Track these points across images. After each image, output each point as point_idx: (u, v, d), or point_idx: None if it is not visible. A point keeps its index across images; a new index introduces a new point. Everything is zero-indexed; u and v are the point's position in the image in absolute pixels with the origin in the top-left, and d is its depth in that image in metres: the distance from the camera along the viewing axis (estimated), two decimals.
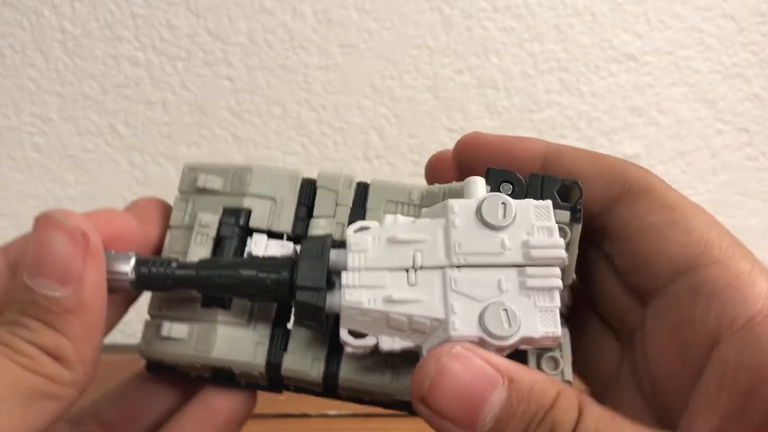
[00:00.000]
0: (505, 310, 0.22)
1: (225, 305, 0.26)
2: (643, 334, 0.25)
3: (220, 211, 0.27)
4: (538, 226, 0.23)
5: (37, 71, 0.57)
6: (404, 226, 0.24)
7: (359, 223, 0.25)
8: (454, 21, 0.57)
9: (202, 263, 0.25)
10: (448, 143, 0.60)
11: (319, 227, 0.26)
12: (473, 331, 0.22)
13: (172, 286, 0.25)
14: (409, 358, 0.25)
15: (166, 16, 0.56)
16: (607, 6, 0.58)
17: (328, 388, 0.26)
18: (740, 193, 0.62)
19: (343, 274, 0.24)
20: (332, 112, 0.58)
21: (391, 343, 0.24)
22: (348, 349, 0.24)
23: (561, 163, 0.26)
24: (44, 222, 0.23)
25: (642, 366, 0.25)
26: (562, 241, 0.23)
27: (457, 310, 0.23)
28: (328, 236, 0.25)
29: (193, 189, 0.28)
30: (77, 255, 0.23)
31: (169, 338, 0.25)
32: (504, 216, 0.24)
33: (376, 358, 0.25)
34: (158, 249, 0.27)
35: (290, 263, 0.24)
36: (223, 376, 0.26)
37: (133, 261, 0.24)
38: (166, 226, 0.28)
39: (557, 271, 0.23)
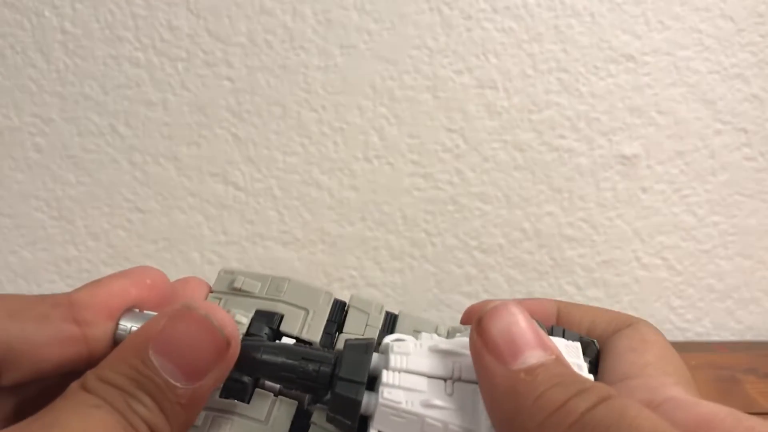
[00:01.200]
0: None
1: (245, 399, 0.26)
2: None
3: (253, 311, 0.27)
4: (570, 362, 0.25)
5: (38, 72, 0.57)
6: (445, 339, 0.25)
7: (396, 335, 0.25)
8: (453, 22, 0.57)
9: (246, 343, 0.25)
10: (448, 143, 0.60)
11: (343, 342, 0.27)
12: None
13: None
14: None
15: (167, 16, 0.56)
16: (606, 7, 0.58)
17: None
18: (739, 193, 0.62)
19: (384, 373, 0.24)
20: (332, 113, 0.58)
21: None
22: None
23: (571, 316, 0.29)
24: (191, 315, 0.23)
25: None
26: (591, 377, 0.24)
27: (490, 426, 0.23)
28: (372, 339, 0.25)
29: (228, 289, 0.28)
30: (213, 358, 0.23)
31: None
32: None
33: None
34: None
35: (333, 357, 0.24)
36: None
37: None
38: None
39: None
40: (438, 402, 0.23)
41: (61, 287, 0.61)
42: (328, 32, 0.57)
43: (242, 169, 0.59)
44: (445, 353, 0.24)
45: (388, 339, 0.25)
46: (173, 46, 0.57)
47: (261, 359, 0.24)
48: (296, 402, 0.26)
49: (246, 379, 0.25)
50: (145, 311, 0.25)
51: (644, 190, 0.61)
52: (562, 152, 0.60)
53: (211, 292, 0.28)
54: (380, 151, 0.59)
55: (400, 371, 0.24)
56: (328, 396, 0.24)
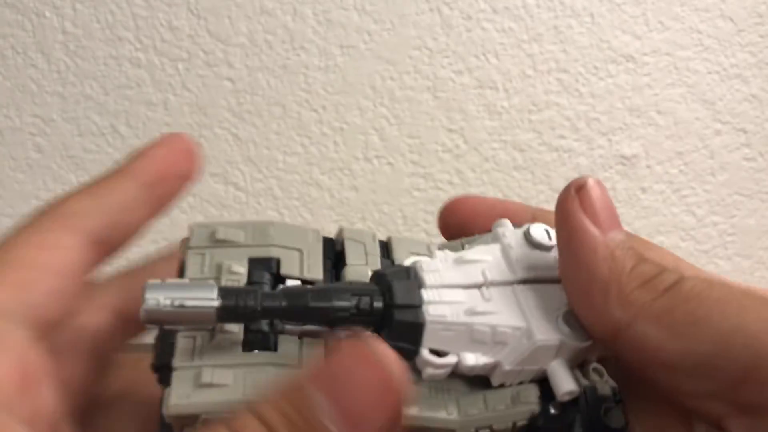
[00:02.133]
0: (575, 317, 0.23)
1: (270, 347, 0.24)
2: None
3: (245, 262, 0.25)
4: None
5: (39, 72, 0.57)
6: (466, 250, 0.25)
7: (413, 257, 0.25)
8: (453, 22, 0.57)
9: (288, 291, 0.23)
10: (448, 143, 0.60)
11: (355, 274, 0.26)
12: (554, 336, 0.23)
13: (259, 316, 0.23)
14: (467, 386, 0.24)
15: (167, 17, 0.56)
16: (605, 7, 0.58)
17: None
18: (738, 193, 0.62)
19: (424, 292, 0.23)
20: (332, 113, 0.58)
21: (473, 359, 0.23)
22: (428, 371, 0.23)
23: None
24: (366, 356, 0.20)
25: None
26: None
27: (537, 318, 0.23)
28: (404, 265, 0.25)
29: (209, 242, 0.26)
30: (379, 410, 0.20)
31: (211, 385, 0.22)
32: (550, 238, 0.25)
33: (436, 388, 0.24)
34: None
35: (381, 287, 0.24)
36: None
37: (215, 290, 0.22)
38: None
39: None
40: (481, 308, 0.23)
41: None
42: (328, 32, 0.57)
43: (242, 169, 0.59)
44: (470, 262, 0.24)
45: (409, 261, 0.25)
46: (174, 47, 0.57)
47: (313, 306, 0.23)
48: (321, 340, 0.24)
49: (265, 326, 0.24)
50: (168, 279, 0.22)
51: (644, 190, 0.61)
52: (562, 152, 0.60)
53: (190, 248, 0.26)
54: (380, 151, 0.59)
55: (437, 287, 0.24)
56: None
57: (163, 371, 0.23)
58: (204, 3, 0.56)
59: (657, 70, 0.59)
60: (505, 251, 0.25)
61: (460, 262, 0.24)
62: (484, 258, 0.25)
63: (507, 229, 0.26)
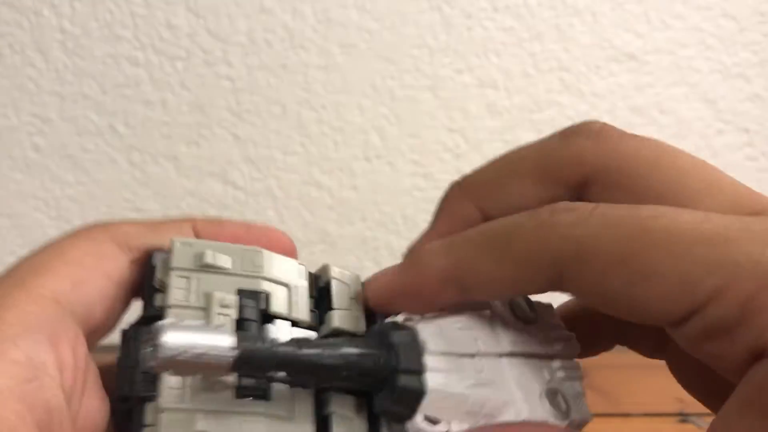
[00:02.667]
0: (560, 393, 0.24)
1: (265, 396, 0.23)
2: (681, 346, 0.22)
3: (234, 292, 0.24)
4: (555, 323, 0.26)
5: (37, 71, 0.56)
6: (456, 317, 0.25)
7: (402, 315, 0.25)
8: (454, 21, 0.57)
9: (299, 341, 0.22)
10: (449, 143, 0.60)
11: (342, 319, 0.25)
12: (539, 414, 0.23)
13: (275, 366, 0.22)
14: None
15: (166, 15, 0.56)
16: (607, 5, 0.58)
17: None
18: None
19: (427, 358, 0.23)
20: (332, 112, 0.58)
21: (460, 426, 0.23)
22: None
23: (478, 278, 0.25)
24: None
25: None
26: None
27: (522, 394, 0.24)
28: (411, 327, 0.24)
29: (195, 265, 0.25)
30: None
31: None
32: (532, 311, 0.25)
33: None
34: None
35: (385, 348, 0.23)
36: None
37: (232, 337, 0.21)
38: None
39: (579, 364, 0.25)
40: (479, 380, 0.23)
41: None
42: (328, 31, 0.57)
43: (242, 168, 0.59)
44: (465, 329, 0.24)
45: (399, 317, 0.25)
46: (172, 46, 0.56)
47: (323, 363, 0.22)
48: (310, 392, 0.24)
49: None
50: (184, 322, 0.21)
51: None
52: None
53: (173, 269, 0.24)
54: (380, 151, 0.59)
55: (438, 354, 0.23)
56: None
57: (129, 406, 0.22)
58: (203, 1, 0.56)
59: (659, 69, 0.59)
60: (493, 321, 0.25)
61: (457, 325, 0.24)
62: (474, 326, 0.24)
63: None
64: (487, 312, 0.25)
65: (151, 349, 0.20)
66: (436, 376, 0.23)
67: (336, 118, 0.58)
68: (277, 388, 0.23)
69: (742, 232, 0.20)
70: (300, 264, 0.26)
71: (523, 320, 0.25)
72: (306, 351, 0.22)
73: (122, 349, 0.23)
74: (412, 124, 0.59)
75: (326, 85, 0.58)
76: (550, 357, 0.25)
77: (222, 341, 0.20)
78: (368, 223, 0.60)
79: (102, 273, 0.23)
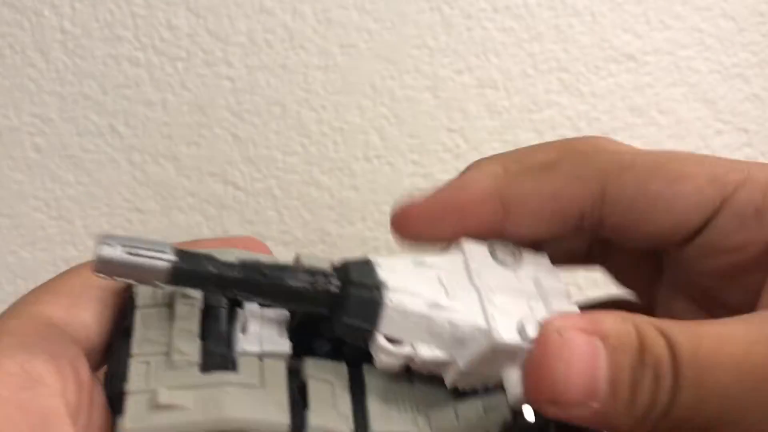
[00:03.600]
0: (539, 321, 0.23)
1: (230, 367, 0.23)
2: (690, 263, 0.26)
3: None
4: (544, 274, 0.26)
5: (37, 71, 0.57)
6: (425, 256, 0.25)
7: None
8: (454, 21, 0.57)
9: (246, 264, 0.23)
10: (448, 143, 0.60)
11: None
12: (514, 339, 0.23)
13: (212, 283, 0.22)
14: (436, 399, 0.24)
15: (166, 16, 0.56)
16: (606, 6, 0.58)
17: None
18: None
19: (385, 276, 0.23)
20: (332, 112, 0.58)
21: (428, 351, 0.23)
22: (382, 358, 0.23)
23: (522, 189, 0.26)
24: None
25: (687, 283, 0.26)
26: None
27: (497, 319, 0.23)
28: (367, 258, 0.24)
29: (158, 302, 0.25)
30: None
31: (169, 407, 0.21)
32: (515, 258, 0.26)
33: (405, 403, 0.24)
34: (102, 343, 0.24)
35: (336, 269, 0.23)
36: None
37: (172, 248, 0.22)
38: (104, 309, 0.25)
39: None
40: (443, 303, 0.23)
41: None
42: (328, 32, 0.57)
43: (242, 168, 0.59)
44: (428, 267, 0.24)
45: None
46: (173, 46, 0.56)
47: (266, 283, 0.22)
48: (283, 359, 0.23)
49: (224, 347, 0.23)
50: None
51: None
52: None
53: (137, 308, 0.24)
54: (380, 151, 0.59)
55: (395, 275, 0.24)
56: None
57: (117, 400, 0.22)
58: (203, 2, 0.56)
59: (658, 70, 0.59)
60: (467, 263, 0.25)
61: (417, 264, 0.24)
62: (443, 265, 0.24)
63: (470, 244, 0.25)
64: (463, 254, 0.25)
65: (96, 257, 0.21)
66: (396, 294, 0.23)
67: (336, 118, 0.58)
68: (244, 359, 0.23)
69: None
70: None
71: (503, 265, 0.25)
72: (249, 273, 0.22)
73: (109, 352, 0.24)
74: (412, 124, 0.59)
75: (326, 85, 0.58)
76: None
77: (162, 249, 0.21)
78: (368, 223, 0.60)
79: (93, 297, 0.24)
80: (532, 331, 0.22)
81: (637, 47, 0.59)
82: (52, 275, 0.62)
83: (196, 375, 0.22)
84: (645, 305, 0.29)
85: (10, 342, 0.21)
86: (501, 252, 0.25)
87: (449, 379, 0.23)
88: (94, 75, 0.57)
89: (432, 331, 0.23)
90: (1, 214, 0.59)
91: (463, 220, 0.25)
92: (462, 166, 0.58)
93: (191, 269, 0.22)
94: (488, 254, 0.25)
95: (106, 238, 0.21)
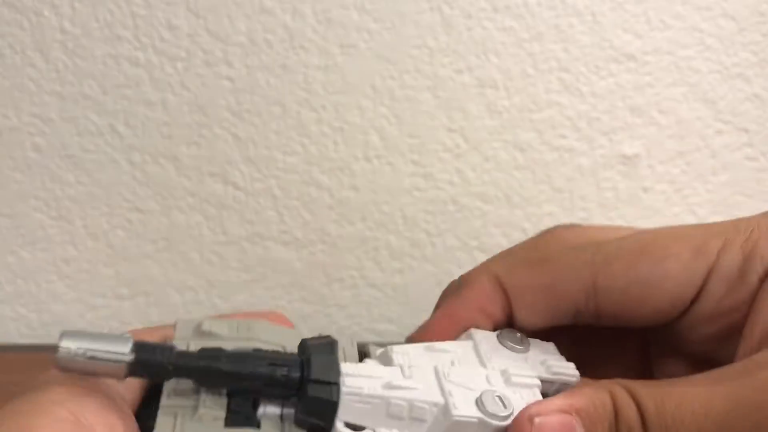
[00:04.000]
0: (499, 396, 0.24)
1: (253, 425, 0.24)
2: (684, 332, 0.27)
3: None
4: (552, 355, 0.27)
5: (37, 71, 0.57)
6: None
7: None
8: (453, 21, 0.57)
9: (204, 351, 0.23)
10: (448, 143, 0.60)
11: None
12: (473, 412, 0.23)
13: (170, 374, 0.23)
14: None
15: (166, 16, 0.56)
16: (607, 6, 0.58)
17: None
18: (740, 193, 0.62)
19: (342, 365, 0.24)
20: (332, 112, 0.58)
21: None
22: None
23: (519, 283, 0.27)
24: None
25: (682, 348, 0.27)
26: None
27: (455, 395, 0.23)
28: (332, 338, 0.25)
29: (193, 334, 0.26)
30: None
31: None
32: (522, 344, 0.27)
33: None
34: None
35: (300, 358, 0.24)
36: None
37: (131, 343, 0.22)
38: None
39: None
40: (398, 383, 0.23)
41: (60, 287, 0.60)
42: (328, 32, 0.57)
43: (242, 168, 0.59)
44: (440, 351, 0.25)
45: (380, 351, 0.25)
46: (173, 46, 0.56)
47: (225, 370, 0.23)
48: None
49: (249, 407, 0.24)
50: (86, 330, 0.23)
51: (645, 189, 0.61)
52: (563, 152, 0.60)
53: (174, 340, 0.26)
54: (380, 151, 0.59)
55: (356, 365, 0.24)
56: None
57: None
58: (203, 2, 0.56)
59: (658, 70, 0.59)
60: (476, 347, 0.26)
61: (430, 349, 0.25)
62: (454, 350, 0.25)
63: (480, 331, 0.27)
64: (472, 339, 0.26)
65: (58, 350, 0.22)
66: (352, 379, 0.23)
67: (336, 118, 0.58)
68: (267, 420, 0.24)
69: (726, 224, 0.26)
70: (298, 334, 0.27)
71: (511, 349, 0.26)
72: (205, 363, 0.23)
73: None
74: (412, 124, 0.59)
75: (326, 85, 0.58)
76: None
77: (119, 347, 0.22)
78: (368, 223, 0.60)
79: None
80: (490, 406, 0.23)
81: (638, 47, 0.59)
82: (51, 275, 0.62)
83: (220, 429, 0.23)
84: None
85: (60, 391, 0.22)
86: (508, 337, 0.27)
87: None
88: (94, 75, 0.57)
89: (391, 412, 0.23)
90: (1, 214, 0.59)
91: (473, 322, 0.27)
92: (462, 166, 0.57)
93: (148, 363, 0.22)
94: (496, 340, 0.26)
95: (66, 337, 0.22)
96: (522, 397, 0.24)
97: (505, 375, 0.25)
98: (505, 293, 0.27)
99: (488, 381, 0.24)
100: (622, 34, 0.58)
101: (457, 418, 0.22)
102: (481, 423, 0.23)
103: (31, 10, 0.56)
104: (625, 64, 0.59)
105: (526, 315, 0.27)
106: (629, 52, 0.59)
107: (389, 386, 0.23)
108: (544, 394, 0.25)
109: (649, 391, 0.22)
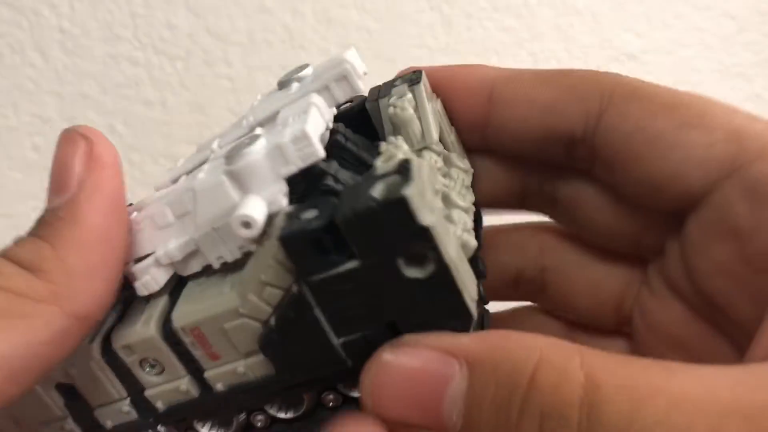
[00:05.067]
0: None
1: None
2: (688, 249, 0.20)
3: None
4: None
5: (36, 71, 0.56)
6: None
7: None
8: (454, 20, 0.57)
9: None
10: None
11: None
12: (215, 177, 0.21)
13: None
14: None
15: (166, 15, 0.56)
16: (607, 5, 0.58)
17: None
18: None
19: None
20: None
21: (166, 246, 0.22)
22: (140, 281, 0.22)
23: (515, 90, 0.22)
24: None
25: (685, 278, 0.21)
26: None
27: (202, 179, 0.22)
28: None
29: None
30: (76, 159, 0.20)
31: None
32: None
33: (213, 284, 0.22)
34: None
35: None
36: None
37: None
38: None
39: None
40: (156, 197, 0.24)
41: None
42: (328, 31, 0.57)
43: None
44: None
45: None
46: (172, 45, 0.56)
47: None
48: None
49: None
50: None
51: None
52: None
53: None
54: None
55: None
56: None
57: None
58: (202, 1, 0.56)
59: (659, 69, 0.59)
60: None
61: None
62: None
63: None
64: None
65: None
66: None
67: None
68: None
69: None
70: None
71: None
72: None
73: None
74: None
75: None
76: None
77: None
78: None
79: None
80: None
81: (638, 46, 0.58)
82: None
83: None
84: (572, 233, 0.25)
85: None
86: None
87: (213, 259, 0.21)
88: (94, 74, 0.57)
89: (157, 224, 0.22)
90: (0, 214, 0.59)
91: (448, 102, 0.23)
92: None
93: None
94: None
95: None
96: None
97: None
98: (492, 96, 0.22)
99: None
100: (623, 33, 0.58)
101: (198, 187, 0.21)
102: (231, 173, 0.20)
103: (30, 9, 0.55)
104: (625, 64, 0.59)
105: (508, 129, 0.22)
106: (630, 51, 0.59)
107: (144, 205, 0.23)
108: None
109: (620, 372, 0.15)
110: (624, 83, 0.21)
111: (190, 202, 0.21)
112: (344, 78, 0.22)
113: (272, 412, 0.22)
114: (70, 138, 0.21)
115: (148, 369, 0.21)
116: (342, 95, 0.23)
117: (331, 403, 0.22)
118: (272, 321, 0.19)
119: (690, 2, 0.58)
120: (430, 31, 0.57)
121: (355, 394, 0.21)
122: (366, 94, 0.24)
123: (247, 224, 0.19)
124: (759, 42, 0.59)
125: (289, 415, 0.22)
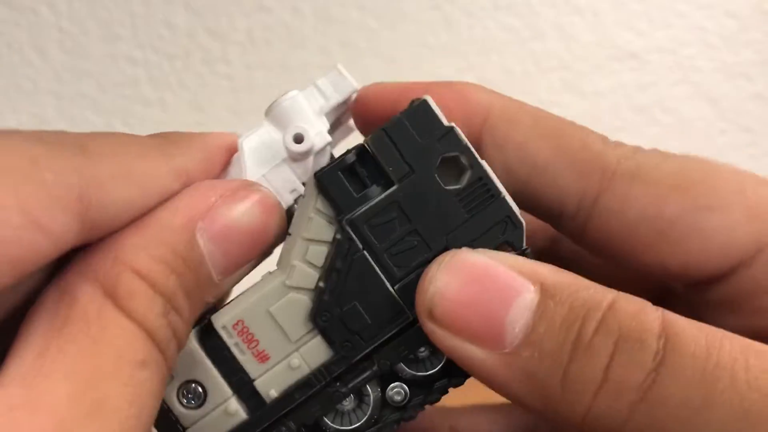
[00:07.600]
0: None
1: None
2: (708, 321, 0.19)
3: None
4: None
5: (35, 70, 0.56)
6: None
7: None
8: (454, 19, 0.57)
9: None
10: None
11: None
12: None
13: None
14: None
15: (165, 14, 0.56)
16: (609, 4, 0.57)
17: None
18: None
19: None
20: None
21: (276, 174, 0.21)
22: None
23: (507, 134, 0.21)
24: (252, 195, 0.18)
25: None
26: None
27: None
28: None
29: None
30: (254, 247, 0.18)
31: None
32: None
33: None
34: None
35: None
36: None
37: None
38: None
39: None
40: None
41: None
42: (327, 30, 0.57)
43: None
44: None
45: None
46: (171, 44, 0.56)
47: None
48: None
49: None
50: None
51: None
52: None
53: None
54: None
55: None
56: None
57: None
58: (202, 0, 0.56)
59: (661, 68, 0.59)
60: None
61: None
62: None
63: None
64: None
65: None
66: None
67: None
68: None
69: None
70: None
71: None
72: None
73: None
74: None
75: None
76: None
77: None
78: None
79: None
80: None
81: (640, 45, 0.58)
82: None
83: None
84: None
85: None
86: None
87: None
88: (92, 74, 0.56)
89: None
90: None
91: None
92: None
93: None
94: None
95: None
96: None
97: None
98: (489, 121, 0.21)
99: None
100: (624, 32, 0.58)
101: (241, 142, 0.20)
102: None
103: (28, 8, 0.55)
104: (627, 63, 0.58)
105: (498, 169, 0.20)
106: (631, 50, 0.58)
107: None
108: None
109: (693, 324, 0.15)
110: (627, 157, 0.19)
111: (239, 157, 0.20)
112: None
113: (410, 370, 0.20)
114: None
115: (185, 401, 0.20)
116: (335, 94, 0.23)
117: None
118: (321, 283, 0.19)
119: (691, 1, 0.58)
120: (430, 30, 0.57)
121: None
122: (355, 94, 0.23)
123: (299, 138, 0.20)
124: (761, 41, 0.59)
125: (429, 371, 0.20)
